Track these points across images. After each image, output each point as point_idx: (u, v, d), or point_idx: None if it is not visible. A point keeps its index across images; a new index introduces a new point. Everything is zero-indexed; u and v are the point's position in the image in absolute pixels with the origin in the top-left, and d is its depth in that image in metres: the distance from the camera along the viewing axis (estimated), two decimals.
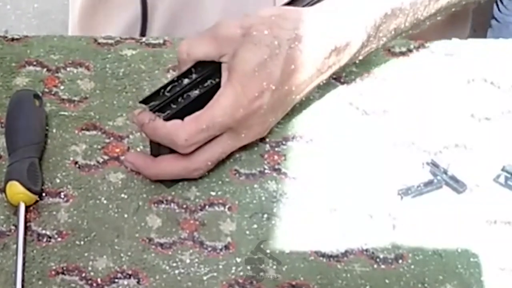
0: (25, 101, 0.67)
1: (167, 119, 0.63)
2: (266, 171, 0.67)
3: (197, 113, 0.62)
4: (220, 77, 0.65)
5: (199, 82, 0.65)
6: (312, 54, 0.65)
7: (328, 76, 0.68)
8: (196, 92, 0.65)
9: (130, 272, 0.60)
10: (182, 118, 0.63)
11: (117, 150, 0.68)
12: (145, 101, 0.64)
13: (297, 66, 0.64)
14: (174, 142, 0.62)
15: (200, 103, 0.63)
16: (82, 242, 0.62)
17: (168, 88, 0.65)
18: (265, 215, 0.64)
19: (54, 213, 0.64)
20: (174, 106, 0.64)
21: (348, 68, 0.74)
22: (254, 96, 0.63)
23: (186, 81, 0.65)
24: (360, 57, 0.69)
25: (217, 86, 0.64)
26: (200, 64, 0.66)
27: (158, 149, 0.65)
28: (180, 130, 0.62)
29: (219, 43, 0.64)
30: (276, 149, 0.69)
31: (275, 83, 0.63)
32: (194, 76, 0.65)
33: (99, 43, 0.75)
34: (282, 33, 0.63)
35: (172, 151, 0.64)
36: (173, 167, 0.64)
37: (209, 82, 0.66)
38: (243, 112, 0.63)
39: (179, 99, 0.64)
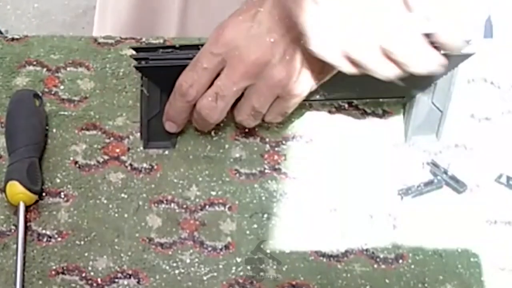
0: (25, 101, 0.67)
1: (139, 68, 0.63)
2: (266, 171, 0.67)
3: None
4: None
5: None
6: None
7: None
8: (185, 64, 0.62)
9: (130, 272, 0.61)
10: (161, 80, 0.63)
11: (117, 150, 0.68)
12: (137, 49, 0.64)
13: None
14: (178, 89, 0.62)
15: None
16: (82, 242, 0.62)
17: (167, 50, 0.63)
18: (265, 215, 0.64)
19: (54, 213, 0.64)
20: (156, 64, 0.63)
21: None
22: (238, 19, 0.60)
23: (185, 52, 0.63)
24: None
25: None
26: None
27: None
28: (180, 77, 0.62)
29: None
30: (276, 149, 0.69)
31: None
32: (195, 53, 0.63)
33: (99, 43, 0.75)
34: None
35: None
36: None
37: None
38: (226, 36, 0.60)
39: (167, 62, 0.63)
